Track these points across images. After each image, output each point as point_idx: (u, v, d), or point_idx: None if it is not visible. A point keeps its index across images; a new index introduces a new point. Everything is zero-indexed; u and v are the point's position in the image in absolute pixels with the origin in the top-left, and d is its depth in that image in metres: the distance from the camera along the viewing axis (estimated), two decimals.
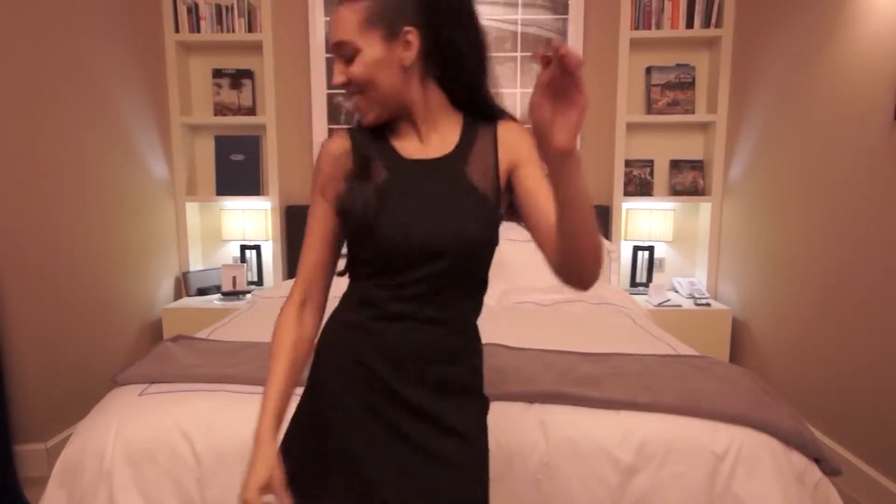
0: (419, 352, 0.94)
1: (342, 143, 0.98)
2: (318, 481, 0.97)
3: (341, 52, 0.89)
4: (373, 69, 0.88)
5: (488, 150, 0.95)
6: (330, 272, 1.03)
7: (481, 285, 1.04)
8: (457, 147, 0.95)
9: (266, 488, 0.90)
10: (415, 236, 0.90)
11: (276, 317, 1.05)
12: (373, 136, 0.97)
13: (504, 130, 0.96)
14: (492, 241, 0.97)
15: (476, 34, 0.92)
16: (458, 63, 0.92)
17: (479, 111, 0.97)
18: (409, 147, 0.96)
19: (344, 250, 1.03)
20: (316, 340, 1.04)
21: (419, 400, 0.93)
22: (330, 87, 3.25)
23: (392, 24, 0.87)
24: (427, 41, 0.89)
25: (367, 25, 0.87)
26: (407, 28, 0.87)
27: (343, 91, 0.97)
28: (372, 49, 0.87)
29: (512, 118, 0.98)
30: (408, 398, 0.93)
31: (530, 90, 3.41)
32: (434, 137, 0.96)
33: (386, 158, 0.95)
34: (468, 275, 0.99)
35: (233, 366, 1.58)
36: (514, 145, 0.95)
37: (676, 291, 3.24)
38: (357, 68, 0.88)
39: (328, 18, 3.20)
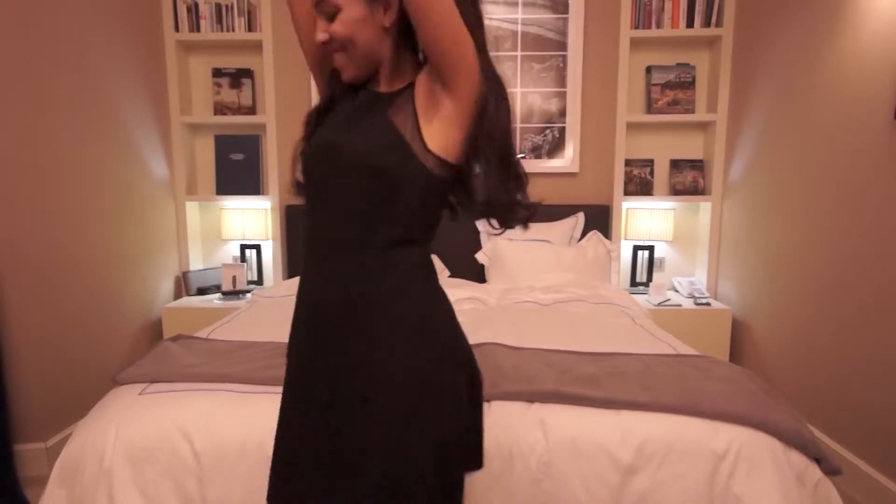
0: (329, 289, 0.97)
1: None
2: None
3: (322, 9, 0.93)
4: (353, 27, 0.93)
5: (409, 98, 0.96)
6: None
7: (391, 229, 0.95)
8: (391, 92, 0.99)
9: None
10: (319, 146, 0.95)
11: None
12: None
13: (418, 82, 0.96)
14: (384, 165, 0.91)
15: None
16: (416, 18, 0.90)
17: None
18: (376, 84, 1.02)
19: None
20: None
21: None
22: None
23: None
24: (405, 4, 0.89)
25: None
26: None
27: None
28: (353, 8, 0.92)
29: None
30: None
31: (530, 89, 3.43)
32: (385, 78, 1.01)
33: (357, 92, 1.02)
34: (371, 206, 0.93)
35: (233, 365, 1.58)
36: (419, 92, 0.95)
37: (676, 291, 3.24)
38: (338, 26, 0.93)
39: None
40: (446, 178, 0.96)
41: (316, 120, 1.04)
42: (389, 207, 0.93)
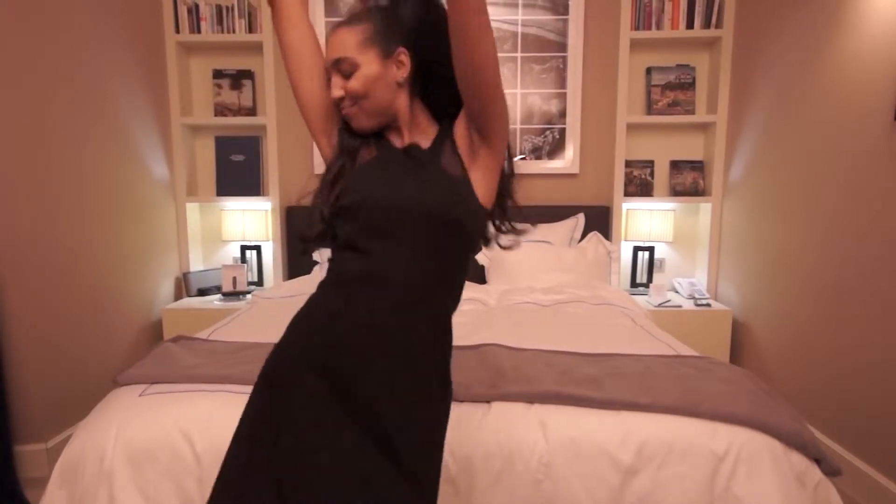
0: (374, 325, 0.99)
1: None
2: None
3: (340, 67, 1.00)
4: (369, 84, 1.00)
5: (451, 145, 1.04)
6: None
7: (454, 270, 1.04)
8: (432, 144, 1.06)
9: None
10: (383, 198, 0.99)
11: None
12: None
13: (456, 126, 1.06)
14: (459, 217, 1.00)
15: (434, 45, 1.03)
16: (442, 80, 1.02)
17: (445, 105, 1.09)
18: (397, 142, 1.08)
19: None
20: None
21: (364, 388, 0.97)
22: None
23: (388, 44, 1.01)
24: (416, 61, 1.03)
25: (366, 45, 1.00)
26: (400, 49, 1.01)
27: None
28: (369, 66, 1.00)
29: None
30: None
31: (530, 91, 3.43)
32: (411, 135, 1.08)
33: (378, 145, 1.07)
34: (437, 249, 1.00)
35: (233, 366, 1.58)
36: (459, 135, 1.04)
37: (677, 292, 3.25)
38: (355, 83, 1.00)
39: (328, 19, 3.20)
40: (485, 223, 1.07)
41: (338, 174, 1.05)
42: (460, 255, 1.04)
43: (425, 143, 1.06)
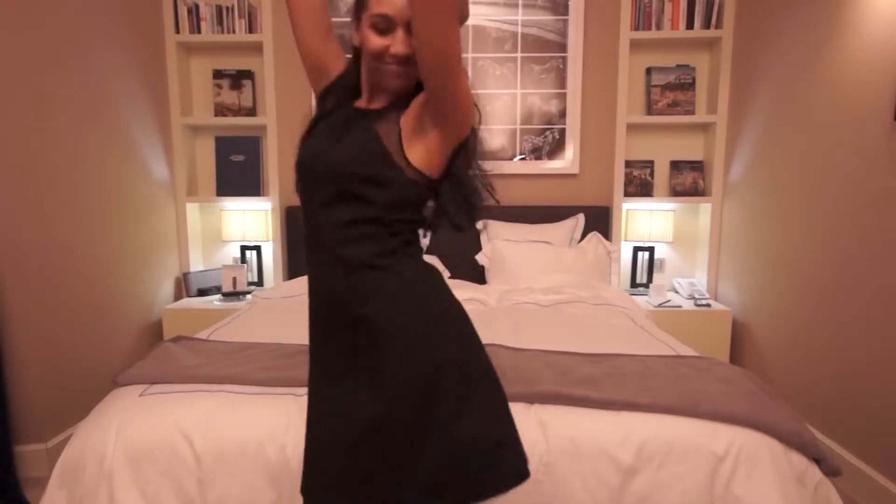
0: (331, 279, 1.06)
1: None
2: None
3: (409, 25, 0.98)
4: None
5: (397, 116, 1.05)
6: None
7: (381, 225, 1.04)
8: (386, 106, 1.08)
9: None
10: (312, 156, 1.07)
11: None
12: (345, 90, 1.14)
13: (412, 106, 1.05)
14: (371, 173, 1.02)
15: None
16: None
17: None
18: (363, 103, 1.12)
19: None
20: None
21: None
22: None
23: None
24: None
25: None
26: None
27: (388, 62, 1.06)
28: None
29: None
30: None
31: (530, 91, 3.43)
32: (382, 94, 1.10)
33: (345, 108, 1.12)
34: (360, 206, 1.02)
35: (233, 366, 1.59)
36: (412, 116, 1.04)
37: (677, 292, 3.24)
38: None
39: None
40: (424, 186, 1.06)
41: (310, 129, 1.14)
42: (374, 208, 1.03)
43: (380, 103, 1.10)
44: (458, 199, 1.08)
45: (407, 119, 1.03)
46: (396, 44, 1.01)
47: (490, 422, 1.07)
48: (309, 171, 1.07)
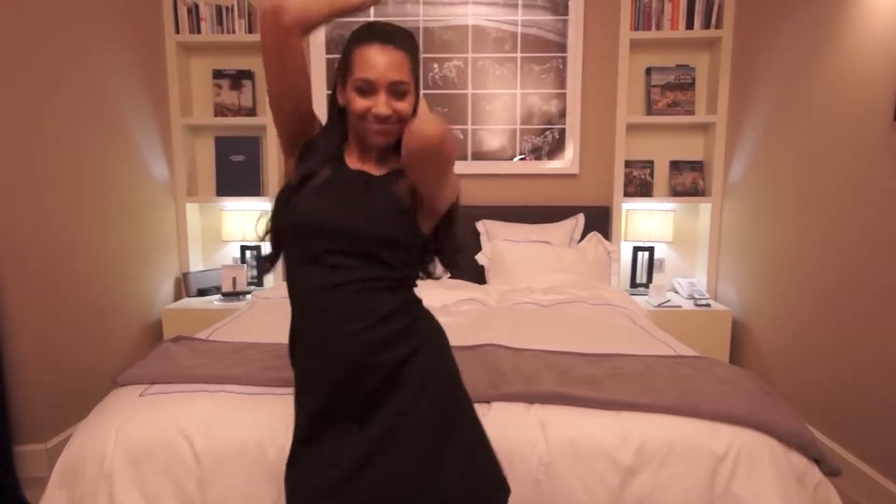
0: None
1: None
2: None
3: (397, 88, 1.09)
4: (411, 108, 1.11)
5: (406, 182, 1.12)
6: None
7: (399, 281, 1.15)
8: (391, 172, 1.16)
9: None
10: (323, 217, 1.09)
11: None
12: (330, 148, 1.18)
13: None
14: (402, 240, 1.12)
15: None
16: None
17: None
18: (354, 162, 1.19)
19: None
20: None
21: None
22: (330, 87, 3.24)
23: (417, 77, 1.14)
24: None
25: (414, 73, 1.12)
26: (417, 84, 1.14)
27: (374, 121, 1.13)
28: (413, 93, 1.12)
29: None
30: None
31: (530, 91, 3.42)
32: (375, 161, 1.19)
33: (334, 167, 1.16)
34: (378, 264, 1.11)
35: (233, 366, 1.58)
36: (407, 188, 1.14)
37: (676, 292, 3.25)
38: (405, 106, 1.10)
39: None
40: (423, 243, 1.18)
41: (291, 192, 1.15)
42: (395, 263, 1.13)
43: (382, 165, 1.18)
44: (451, 248, 1.23)
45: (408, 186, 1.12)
46: (378, 105, 1.08)
47: (482, 435, 1.18)
48: (320, 231, 1.09)
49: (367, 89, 1.08)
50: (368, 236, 1.08)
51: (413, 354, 1.11)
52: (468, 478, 1.11)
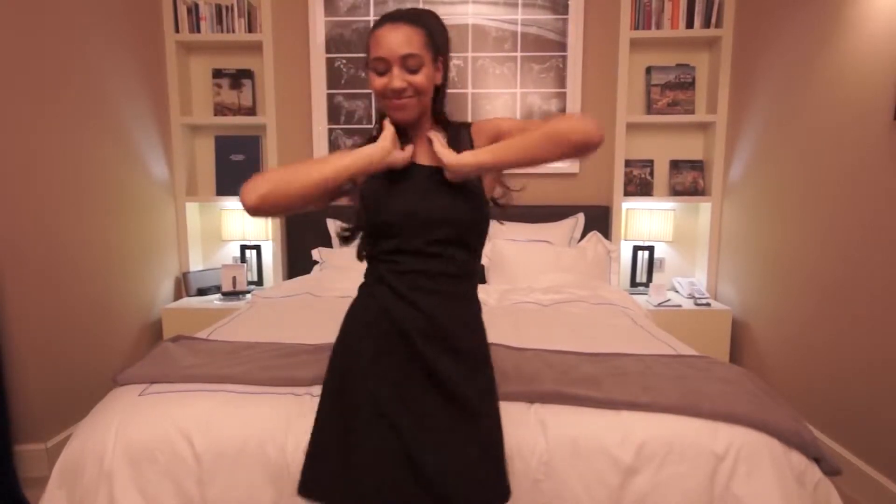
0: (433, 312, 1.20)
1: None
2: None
3: (408, 62, 1.13)
4: (428, 82, 1.17)
5: (469, 149, 1.19)
6: None
7: (476, 257, 1.30)
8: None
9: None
10: (417, 213, 1.18)
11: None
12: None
13: (475, 131, 1.29)
14: (479, 218, 1.26)
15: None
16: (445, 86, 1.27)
17: (448, 121, 1.30)
18: (419, 154, 1.25)
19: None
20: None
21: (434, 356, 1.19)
22: (330, 87, 3.25)
23: (436, 49, 1.18)
24: (444, 69, 1.22)
25: (428, 46, 1.15)
26: (440, 56, 1.20)
27: (386, 95, 1.20)
28: (429, 65, 1.16)
29: (476, 122, 1.31)
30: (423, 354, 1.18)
31: (530, 90, 3.42)
32: (423, 144, 1.25)
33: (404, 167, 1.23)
34: (464, 246, 1.24)
35: (233, 366, 1.58)
36: (484, 134, 1.26)
37: (676, 291, 3.25)
38: (419, 78, 1.15)
39: (329, 18, 3.20)
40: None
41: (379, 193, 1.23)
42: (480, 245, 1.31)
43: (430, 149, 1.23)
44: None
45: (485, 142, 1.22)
46: (393, 80, 1.14)
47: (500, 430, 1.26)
48: (420, 223, 1.19)
49: (383, 68, 1.14)
50: (463, 223, 1.20)
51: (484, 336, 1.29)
52: (479, 467, 1.16)
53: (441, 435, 1.14)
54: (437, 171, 1.21)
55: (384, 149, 1.15)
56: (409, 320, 1.17)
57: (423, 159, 1.24)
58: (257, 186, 1.09)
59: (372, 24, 1.20)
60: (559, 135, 1.09)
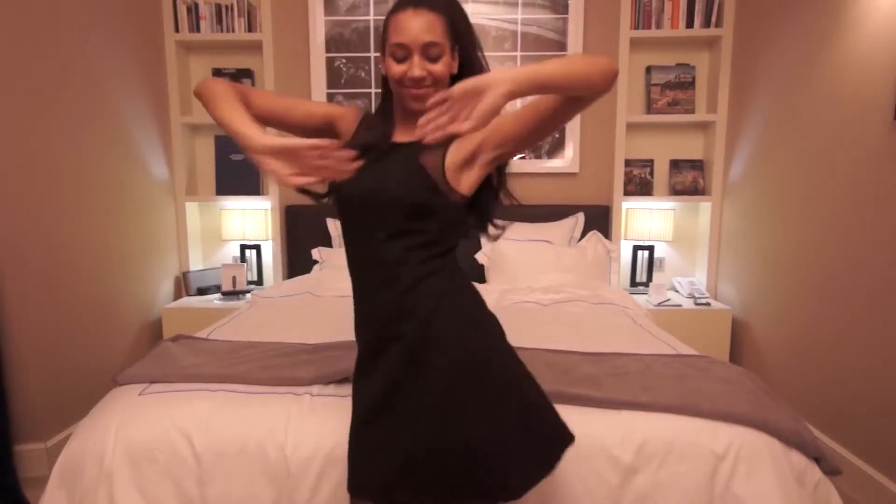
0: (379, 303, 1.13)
1: (356, 114, 1.26)
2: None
3: (429, 51, 1.10)
4: (446, 70, 1.13)
5: (440, 150, 1.13)
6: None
7: (433, 247, 1.14)
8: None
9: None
10: (363, 190, 1.11)
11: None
12: (383, 121, 1.21)
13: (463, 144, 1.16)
14: (427, 207, 1.10)
15: (480, 54, 1.21)
16: (468, 69, 1.17)
17: None
18: (402, 135, 1.19)
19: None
20: None
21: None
22: (330, 87, 3.25)
23: (454, 39, 1.14)
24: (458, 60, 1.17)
25: (448, 34, 1.12)
26: (455, 45, 1.15)
27: (405, 85, 1.14)
28: (448, 55, 1.13)
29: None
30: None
31: None
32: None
33: (381, 142, 1.18)
34: (412, 232, 1.11)
35: (233, 366, 1.58)
36: (459, 146, 1.13)
37: (676, 291, 3.25)
38: (440, 67, 1.12)
39: (328, 17, 3.20)
40: (462, 206, 1.17)
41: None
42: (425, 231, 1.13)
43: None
44: (494, 208, 1.24)
45: (458, 151, 1.12)
46: (413, 68, 1.10)
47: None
48: (365, 205, 1.12)
49: (402, 55, 1.11)
50: (395, 204, 1.09)
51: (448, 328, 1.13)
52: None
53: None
54: (401, 146, 1.17)
55: (259, 147, 0.97)
56: None
57: (403, 136, 1.19)
58: (202, 86, 1.13)
59: (393, 6, 1.14)
60: (590, 57, 1.05)
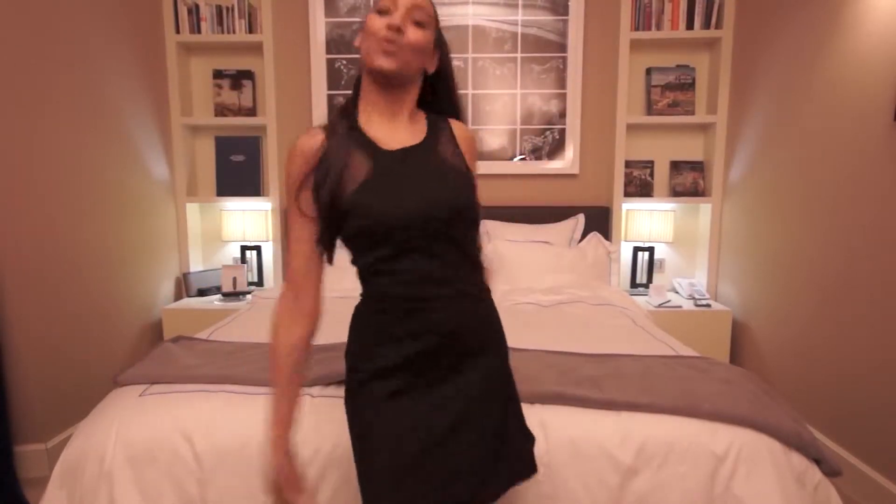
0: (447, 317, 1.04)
1: (314, 139, 1.05)
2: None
3: (414, 15, 1.03)
4: (424, 48, 1.04)
5: (451, 139, 1.11)
6: (320, 269, 1.09)
7: (474, 246, 1.13)
8: (427, 136, 1.10)
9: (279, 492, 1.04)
10: (409, 208, 0.99)
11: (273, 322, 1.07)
12: (349, 132, 1.05)
13: (456, 127, 1.14)
14: (475, 205, 1.09)
15: (450, 64, 1.16)
16: (444, 79, 1.14)
17: (440, 111, 1.16)
18: (384, 138, 1.06)
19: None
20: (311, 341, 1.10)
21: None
22: (330, 88, 3.25)
23: (438, 39, 1.10)
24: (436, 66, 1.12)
25: (433, 23, 1.07)
26: (437, 46, 1.10)
27: (385, 38, 1.04)
28: (429, 34, 1.05)
29: (455, 123, 1.15)
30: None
31: (530, 91, 3.42)
32: (403, 128, 1.08)
33: (366, 151, 1.04)
34: (464, 237, 1.08)
35: (233, 366, 1.59)
36: (464, 139, 1.13)
37: (677, 292, 3.25)
38: (421, 34, 1.03)
39: (329, 19, 3.20)
40: None
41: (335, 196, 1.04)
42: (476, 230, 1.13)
43: (411, 130, 1.09)
44: None
45: (465, 150, 1.12)
46: (395, 17, 1.01)
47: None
48: (412, 224, 0.99)
49: (387, 6, 1.03)
50: (457, 213, 1.02)
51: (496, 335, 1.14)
52: (521, 452, 1.12)
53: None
54: (413, 150, 1.07)
55: (268, 472, 1.02)
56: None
57: (388, 141, 1.06)
58: (275, 320, 1.06)
59: None
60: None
